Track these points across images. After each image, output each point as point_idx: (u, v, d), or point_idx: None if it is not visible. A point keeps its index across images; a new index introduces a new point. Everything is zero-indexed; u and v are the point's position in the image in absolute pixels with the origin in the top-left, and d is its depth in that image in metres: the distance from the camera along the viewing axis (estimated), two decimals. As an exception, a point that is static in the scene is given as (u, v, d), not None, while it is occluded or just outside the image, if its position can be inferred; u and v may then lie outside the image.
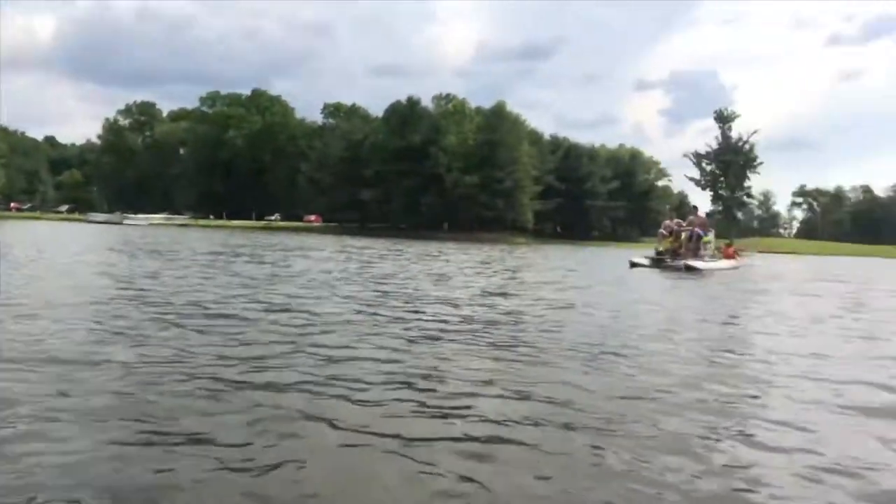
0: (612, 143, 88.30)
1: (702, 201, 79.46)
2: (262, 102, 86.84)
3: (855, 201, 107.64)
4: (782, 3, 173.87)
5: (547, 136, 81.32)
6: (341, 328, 5.05)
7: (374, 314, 5.89)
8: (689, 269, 15.13)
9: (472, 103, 75.90)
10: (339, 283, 8.80)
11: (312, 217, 73.73)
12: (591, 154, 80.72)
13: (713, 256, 17.78)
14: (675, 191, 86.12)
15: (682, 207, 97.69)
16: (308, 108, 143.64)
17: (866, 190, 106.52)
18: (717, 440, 2.67)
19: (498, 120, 69.83)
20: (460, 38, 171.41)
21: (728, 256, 19.69)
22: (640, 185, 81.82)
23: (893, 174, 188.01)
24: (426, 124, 69.88)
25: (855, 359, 4.82)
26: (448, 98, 77.65)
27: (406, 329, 5.13)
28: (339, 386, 3.27)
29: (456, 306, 6.71)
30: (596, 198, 76.19)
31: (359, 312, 5.96)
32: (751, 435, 2.73)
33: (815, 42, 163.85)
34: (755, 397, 3.44)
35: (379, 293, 7.61)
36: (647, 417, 2.93)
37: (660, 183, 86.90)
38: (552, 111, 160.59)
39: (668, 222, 17.99)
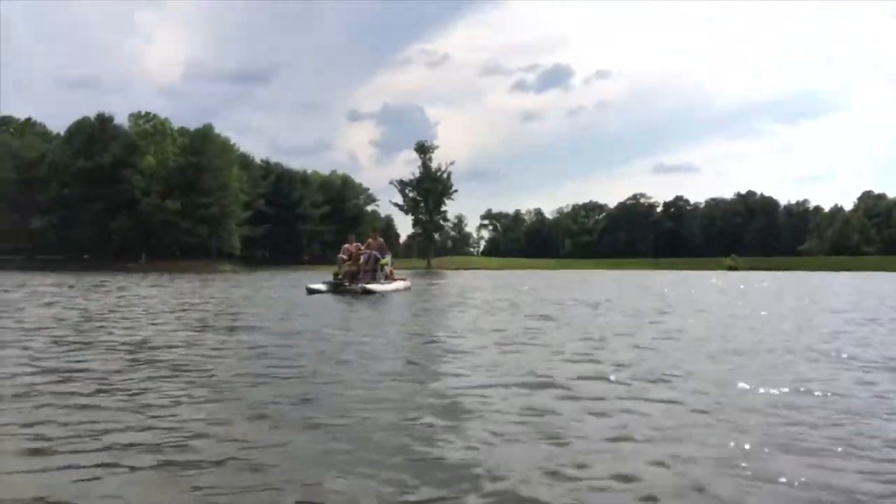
0: (325, 170, 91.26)
1: (405, 225, 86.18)
2: None
3: (529, 222, 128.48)
4: (477, 53, 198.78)
5: (258, 160, 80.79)
6: None
7: None
8: (367, 291, 15.27)
9: (179, 125, 71.59)
10: None
11: (-38, 252, 61.35)
12: (304, 179, 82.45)
13: (388, 279, 17.74)
14: (383, 215, 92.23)
15: (389, 231, 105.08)
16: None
17: (538, 213, 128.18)
18: None
19: (204, 143, 66.92)
20: (166, 55, 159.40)
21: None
22: (350, 209, 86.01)
23: (559, 199, 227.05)
24: (119, 144, 64.06)
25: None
26: (148, 117, 72.12)
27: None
28: None
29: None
30: (307, 222, 77.97)
31: None
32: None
33: (502, 87, 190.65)
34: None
35: None
36: None
37: (369, 208, 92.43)
38: (268, 137, 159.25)
39: (347, 246, 17.64)
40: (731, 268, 73.36)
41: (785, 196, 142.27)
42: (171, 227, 61.71)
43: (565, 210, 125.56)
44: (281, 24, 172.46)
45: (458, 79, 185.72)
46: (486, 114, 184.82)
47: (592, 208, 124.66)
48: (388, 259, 17.97)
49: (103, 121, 65.73)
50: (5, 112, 78.54)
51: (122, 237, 61.07)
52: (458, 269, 71.79)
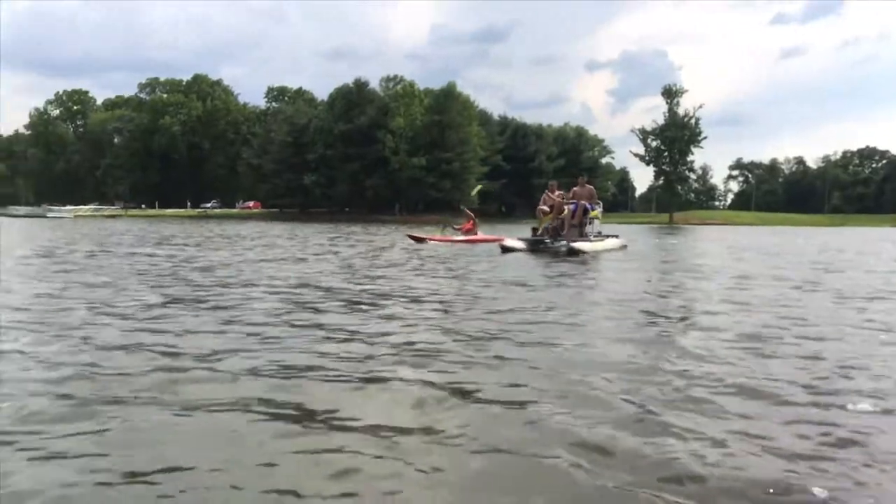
0: (558, 123, 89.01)
1: (640, 178, 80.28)
2: (202, 88, 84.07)
3: (788, 172, 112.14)
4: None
5: (496, 116, 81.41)
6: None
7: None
8: (572, 251, 12.44)
9: (424, 86, 74.49)
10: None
11: (251, 203, 72.46)
12: (539, 133, 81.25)
13: (598, 235, 14.70)
14: (618, 168, 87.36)
15: (624, 183, 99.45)
16: (256, 94, 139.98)
17: (799, 161, 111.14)
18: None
19: (448, 101, 69.06)
20: (414, 22, 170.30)
21: (467, 231, 17.10)
22: (585, 162, 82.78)
23: (825, 145, 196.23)
24: (373, 107, 68.75)
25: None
26: (397, 80, 76.07)
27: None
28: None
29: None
30: (542, 176, 76.70)
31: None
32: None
33: (759, 21, 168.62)
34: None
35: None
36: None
37: (604, 160, 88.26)
38: (503, 93, 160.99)
39: (548, 195, 14.48)
40: None
41: None
42: (417, 183, 65.26)
43: (834, 158, 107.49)
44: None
45: (705, 16, 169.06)
46: (738, 53, 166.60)
47: (869, 155, 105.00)
48: (598, 211, 14.90)
49: (360, 86, 70.91)
50: (282, 83, 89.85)
51: (375, 192, 66.16)
52: (703, 224, 65.13)
